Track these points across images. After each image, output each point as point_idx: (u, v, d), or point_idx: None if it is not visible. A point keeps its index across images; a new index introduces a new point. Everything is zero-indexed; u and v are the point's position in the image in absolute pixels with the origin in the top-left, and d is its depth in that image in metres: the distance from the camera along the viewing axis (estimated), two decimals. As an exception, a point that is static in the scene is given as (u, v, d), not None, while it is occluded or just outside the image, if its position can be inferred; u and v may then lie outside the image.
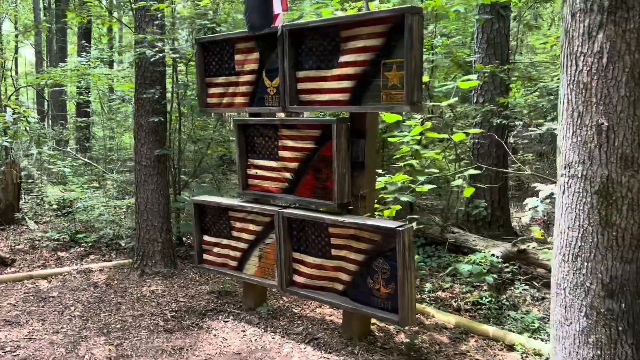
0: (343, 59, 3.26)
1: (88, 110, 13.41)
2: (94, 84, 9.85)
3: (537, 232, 3.98)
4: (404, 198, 3.74)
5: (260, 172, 3.88)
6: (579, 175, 2.19)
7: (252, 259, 4.00)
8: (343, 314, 3.55)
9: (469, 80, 3.84)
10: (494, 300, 4.01)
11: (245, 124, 3.89)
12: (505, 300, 4.05)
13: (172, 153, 5.86)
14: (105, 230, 6.81)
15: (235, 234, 4.11)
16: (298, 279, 3.66)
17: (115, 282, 5.12)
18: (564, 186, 2.28)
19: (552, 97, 5.03)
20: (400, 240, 2.94)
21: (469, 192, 4.25)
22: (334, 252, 3.41)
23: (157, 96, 5.08)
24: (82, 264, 5.79)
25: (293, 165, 3.61)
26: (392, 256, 3.04)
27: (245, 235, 4.01)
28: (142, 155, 5.36)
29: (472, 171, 4.13)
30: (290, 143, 3.60)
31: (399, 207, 3.85)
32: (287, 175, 3.66)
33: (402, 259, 2.96)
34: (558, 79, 5.03)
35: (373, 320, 3.60)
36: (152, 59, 4.72)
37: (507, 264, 4.54)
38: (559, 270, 2.32)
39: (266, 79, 3.77)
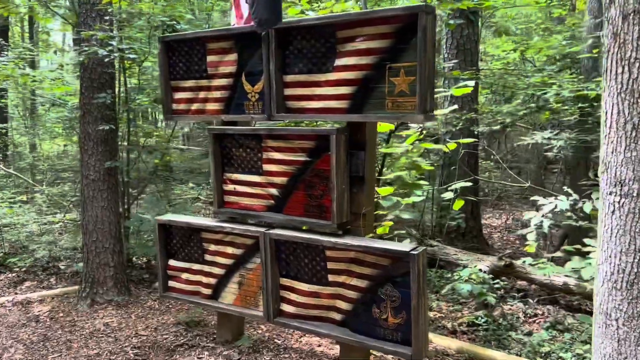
0: (340, 62, 2.98)
1: (5, 114, 12.15)
2: (15, 86, 8.94)
3: (531, 247, 3.87)
4: (405, 215, 3.50)
5: (239, 188, 3.50)
6: (635, 194, 2.02)
7: (230, 286, 3.61)
8: (341, 347, 3.25)
9: (465, 86, 3.67)
10: (490, 320, 3.85)
11: (221, 134, 3.51)
12: (501, 319, 3.91)
13: (122, 165, 5.31)
14: (40, 251, 6.10)
15: (209, 258, 3.70)
16: (287, 308, 3.31)
17: (61, 314, 4.52)
18: (613, 205, 2.10)
19: (533, 105, 5.00)
20: (415, 265, 2.68)
21: (458, 204, 4.09)
22: (331, 277, 3.11)
23: (109, 101, 4.56)
24: (17, 294, 5.11)
25: (280, 180, 3.27)
26: (404, 282, 2.78)
27: (222, 260, 3.62)
28: (89, 168, 4.81)
29: (464, 183, 3.96)
30: (277, 155, 3.26)
31: (391, 223, 3.60)
32: (273, 191, 3.32)
33: (417, 285, 2.71)
34: (535, 86, 5.01)
35: (374, 353, 3.31)
36: (106, 60, 4.21)
37: (495, 279, 4.43)
38: (609, 299, 2.14)
39: (246, 83, 3.41)
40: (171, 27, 4.61)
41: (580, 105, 4.58)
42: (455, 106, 4.16)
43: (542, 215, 3.39)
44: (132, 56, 4.41)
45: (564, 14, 7.98)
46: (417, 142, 3.73)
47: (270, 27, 3.01)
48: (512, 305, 4.21)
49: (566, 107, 4.63)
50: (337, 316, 3.12)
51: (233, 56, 3.46)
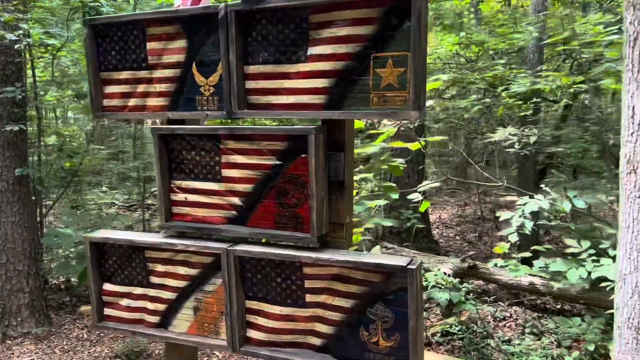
0: (314, 50, 2.63)
1: None
2: None
3: (501, 248, 3.77)
4: (387, 223, 3.22)
5: (192, 198, 3.05)
6: (673, 197, 1.86)
7: (183, 313, 3.15)
8: (320, 375, 2.90)
9: (437, 80, 3.47)
10: (463, 327, 3.70)
11: (169, 135, 3.03)
12: (474, 325, 3.77)
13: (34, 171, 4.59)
14: None
15: (155, 280, 3.21)
16: (256, 335, 2.92)
17: (-36, 357, 3.78)
18: (646, 210, 1.94)
19: (488, 100, 4.96)
20: (414, 281, 2.41)
21: (425, 206, 3.90)
22: (309, 298, 2.76)
23: (19, 96, 3.86)
24: None
25: (244, 187, 2.87)
26: (397, 300, 2.50)
27: (172, 282, 3.14)
28: (-5, 177, 4.07)
29: (434, 184, 3.77)
30: (240, 159, 2.85)
31: (361, 229, 3.32)
32: (235, 200, 2.90)
33: (415, 303, 2.43)
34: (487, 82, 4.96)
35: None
36: (16, 46, 3.53)
37: (461, 282, 4.31)
38: None
39: (198, 74, 2.96)
40: (94, 10, 4.00)
41: (534, 100, 4.58)
42: (432, 101, 3.97)
43: (522, 216, 3.29)
44: (50, 42, 3.75)
45: (497, 8, 8.16)
46: (382, 142, 3.48)
47: (258, 5, 2.59)
48: (480, 309, 4.10)
49: (520, 102, 4.61)
50: (317, 341, 2.78)
51: (181, 43, 2.99)
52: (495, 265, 4.31)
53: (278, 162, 2.75)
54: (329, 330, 2.74)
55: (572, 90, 5.59)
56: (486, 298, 4.31)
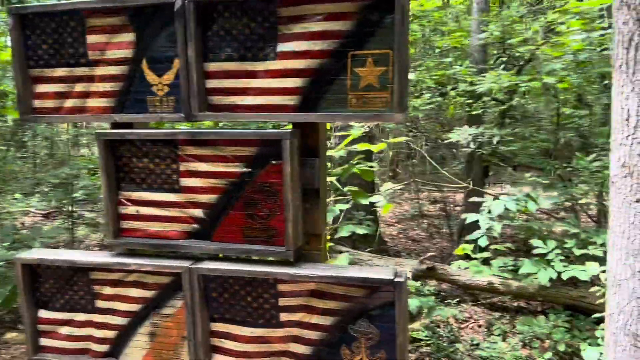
0: (285, 47, 2.43)
1: None
2: None
3: (464, 249, 3.75)
4: (361, 230, 3.07)
5: (145, 211, 2.75)
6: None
7: (137, 339, 2.84)
8: (297, 399, 2.71)
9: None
10: (430, 332, 3.65)
11: (117, 140, 2.71)
12: (440, 330, 3.73)
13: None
14: None
15: (102, 305, 2.87)
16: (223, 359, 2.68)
17: None
18: (645, 214, 1.92)
19: (439, 99, 4.96)
20: (401, 295, 2.28)
21: (387, 208, 3.81)
22: (284, 317, 2.56)
23: None
24: None
25: (207, 198, 2.61)
26: (383, 316, 2.37)
27: (123, 306, 2.82)
28: None
29: (395, 185, 3.69)
30: (202, 167, 2.59)
31: (329, 239, 3.16)
32: (197, 213, 2.64)
33: (402, 318, 2.31)
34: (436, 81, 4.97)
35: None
36: None
37: (421, 284, 4.27)
38: (639, 318, 1.96)
39: (149, 72, 2.67)
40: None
41: (485, 99, 4.64)
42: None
43: (490, 218, 3.27)
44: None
45: (431, 6, 8.30)
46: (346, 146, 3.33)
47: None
48: (445, 316, 4.08)
49: (471, 101, 4.65)
50: (293, 363, 2.59)
51: (128, 36, 2.68)
52: (459, 267, 4.33)
53: (246, 170, 2.53)
54: (306, 351, 2.55)
55: (512, 88, 5.75)
56: (450, 300, 4.31)
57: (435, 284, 4.80)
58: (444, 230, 8.12)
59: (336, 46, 2.36)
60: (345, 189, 3.22)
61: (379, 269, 2.43)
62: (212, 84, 2.57)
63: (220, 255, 2.68)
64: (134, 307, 2.81)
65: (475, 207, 6.42)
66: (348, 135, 3.37)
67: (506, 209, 3.45)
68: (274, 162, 2.47)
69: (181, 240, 2.70)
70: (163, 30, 2.60)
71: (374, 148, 3.62)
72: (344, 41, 2.35)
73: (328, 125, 3.48)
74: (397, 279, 2.29)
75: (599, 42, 4.82)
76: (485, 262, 4.40)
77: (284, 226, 2.47)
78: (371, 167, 3.20)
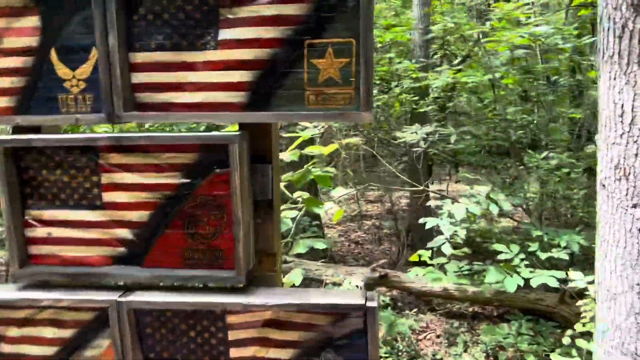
0: (228, 34, 2.09)
1: None
2: None
3: (421, 255, 3.56)
4: (320, 245, 2.75)
5: (59, 233, 2.30)
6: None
7: (53, 389, 2.36)
8: None
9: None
10: (389, 349, 3.42)
11: (21, 148, 2.24)
12: (399, 344, 3.51)
13: None
14: None
15: (7, 349, 2.39)
16: (162, 407, 2.28)
17: None
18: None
19: (385, 96, 4.75)
20: (373, 322, 2.00)
21: (339, 215, 3.54)
22: (234, 353, 2.21)
23: None
24: None
25: (138, 215, 2.21)
26: (352, 345, 2.09)
27: (34, 350, 2.36)
28: None
29: (349, 190, 3.41)
30: (130, 178, 2.18)
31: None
32: (125, 233, 2.23)
33: (374, 347, 2.03)
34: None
35: None
36: None
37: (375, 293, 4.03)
38: (638, 336, 1.79)
39: (60, 64, 2.23)
40: None
41: (433, 96, 4.49)
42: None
43: (451, 223, 3.08)
44: None
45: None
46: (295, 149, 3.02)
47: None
48: (401, 327, 3.86)
49: (417, 98, 4.49)
50: (247, 405, 2.24)
51: (32, 21, 2.21)
52: (417, 275, 4.14)
53: (185, 181, 2.15)
54: (262, 390, 2.21)
55: (453, 86, 5.69)
56: (406, 310, 4.12)
57: (385, 290, 4.61)
58: (386, 231, 8.00)
59: (290, 33, 2.04)
60: (295, 195, 2.91)
61: (347, 294, 2.13)
62: (139, 78, 2.16)
63: (158, 283, 2.28)
64: (48, 351, 2.34)
65: (426, 210, 6.33)
66: (298, 137, 3.07)
67: (468, 212, 3.31)
68: (218, 170, 2.11)
69: (106, 267, 2.27)
70: (77, 14, 2.16)
71: (325, 150, 3.33)
72: (300, 28, 2.03)
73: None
74: (369, 304, 2.01)
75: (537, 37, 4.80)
76: (441, 267, 4.27)
77: (233, 246, 2.11)
78: (327, 172, 2.92)
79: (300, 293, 2.15)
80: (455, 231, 3.34)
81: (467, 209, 3.36)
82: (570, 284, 3.08)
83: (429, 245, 3.80)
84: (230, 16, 2.08)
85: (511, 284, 3.24)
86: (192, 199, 2.15)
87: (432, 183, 7.50)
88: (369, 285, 4.23)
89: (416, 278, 3.93)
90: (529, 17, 4.89)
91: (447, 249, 3.51)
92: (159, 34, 2.13)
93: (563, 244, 3.56)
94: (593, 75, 4.91)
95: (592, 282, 2.78)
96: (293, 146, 3.12)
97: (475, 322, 4.31)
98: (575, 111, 5.47)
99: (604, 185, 1.97)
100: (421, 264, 6.54)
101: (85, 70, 2.20)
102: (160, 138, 2.12)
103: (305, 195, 2.82)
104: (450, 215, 3.48)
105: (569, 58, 5.07)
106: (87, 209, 2.24)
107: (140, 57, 2.15)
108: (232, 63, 2.09)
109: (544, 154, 4.55)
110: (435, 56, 7.05)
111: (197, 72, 2.13)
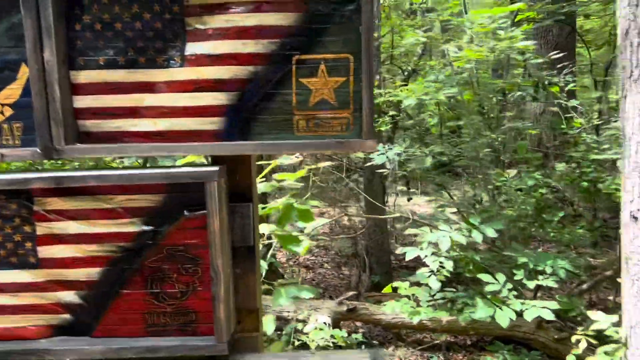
0: (197, 48, 1.76)
1: None
2: None
3: (405, 288, 3.31)
4: (306, 294, 2.40)
5: (-21, 299, 1.82)
6: None
7: None
8: None
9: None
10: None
11: None
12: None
13: None
14: None
15: None
16: None
17: None
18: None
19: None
20: (388, 391, 1.69)
21: (306, 249, 3.22)
22: None
23: None
24: None
25: (85, 274, 1.80)
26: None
27: None
28: None
29: (324, 221, 3.10)
30: (75, 228, 1.77)
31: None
32: (69, 297, 1.81)
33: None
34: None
35: None
36: None
37: (336, 328, 3.73)
38: None
39: (-22, 86, 1.78)
40: None
41: (392, 113, 4.30)
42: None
43: (434, 253, 2.85)
44: None
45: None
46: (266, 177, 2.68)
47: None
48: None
49: (375, 116, 4.28)
50: None
51: (-62, 31, 1.75)
52: (393, 310, 3.86)
53: (147, 229, 1.76)
54: None
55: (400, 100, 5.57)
56: (379, 345, 3.85)
57: (350, 322, 4.33)
58: (337, 253, 7.73)
59: (275, 48, 1.73)
60: (268, 230, 2.56)
61: (353, 355, 1.81)
62: (84, 101, 1.77)
63: (115, 358, 1.85)
64: None
65: (382, 230, 6.11)
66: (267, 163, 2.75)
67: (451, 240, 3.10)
68: (189, 214, 1.74)
69: (45, 340, 1.82)
70: (1, 21, 1.74)
71: (292, 176, 3.01)
72: (286, 41, 1.73)
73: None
74: (382, 369, 1.71)
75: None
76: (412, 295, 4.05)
77: (211, 307, 1.74)
78: (304, 204, 2.59)
79: (296, 357, 1.82)
80: (441, 262, 3.14)
81: (450, 237, 3.16)
82: (593, 326, 2.94)
83: (411, 278, 3.56)
84: (199, 26, 1.74)
85: (503, 319, 3.05)
86: (157, 250, 1.76)
87: (387, 201, 7.36)
88: (336, 320, 3.93)
89: (386, 308, 3.70)
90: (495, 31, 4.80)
91: (435, 284, 3.28)
92: (110, 47, 1.74)
93: (548, 270, 3.45)
94: (557, 90, 4.97)
95: (617, 324, 2.68)
96: (263, 174, 2.77)
97: (450, 353, 4.14)
98: (533, 127, 5.54)
99: (635, 218, 1.83)
100: (380, 290, 6.31)
101: (12, 92, 1.77)
102: (114, 177, 1.72)
103: (277, 230, 2.48)
104: (428, 245, 3.29)
105: (528, 73, 5.14)
106: (19, 268, 1.79)
107: (85, 76, 1.75)
108: (204, 83, 1.74)
109: (513, 172, 4.51)
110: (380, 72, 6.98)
111: (158, 95, 1.76)
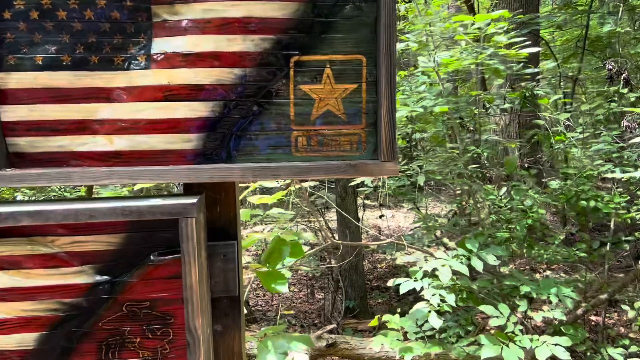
0: (167, 45, 1.41)
1: None
2: None
3: (396, 323, 2.99)
4: (299, 345, 2.01)
5: None
6: None
7: None
8: None
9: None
10: None
11: None
12: None
13: None
14: None
15: None
16: None
17: None
18: None
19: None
20: None
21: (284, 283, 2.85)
22: None
23: None
24: None
25: (17, 340, 1.40)
26: None
27: None
28: None
29: (312, 249, 2.75)
30: (3, 281, 1.36)
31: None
32: (-7, 370, 1.39)
33: None
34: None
35: None
36: None
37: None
38: None
39: None
40: None
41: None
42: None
43: (431, 285, 2.55)
44: None
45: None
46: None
47: None
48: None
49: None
50: None
51: None
52: (383, 345, 3.52)
53: (101, 279, 1.36)
54: None
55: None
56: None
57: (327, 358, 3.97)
58: (303, 274, 7.32)
59: (268, 46, 1.39)
60: (251, 268, 2.17)
61: None
62: (16, 113, 1.37)
63: None
64: None
65: (357, 252, 5.78)
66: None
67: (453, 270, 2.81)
68: (156, 260, 1.36)
69: None
70: None
71: (270, 199, 2.64)
72: (283, 38, 1.39)
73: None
74: None
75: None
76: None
77: (187, 380, 1.36)
78: (294, 239, 2.23)
79: None
80: (443, 297, 2.84)
81: (450, 266, 2.88)
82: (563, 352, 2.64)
83: (410, 315, 3.22)
84: (170, 17, 1.37)
85: (512, 358, 2.76)
86: (114, 308, 1.37)
87: (363, 217, 7.07)
88: (314, 357, 3.57)
89: (374, 344, 3.37)
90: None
91: (436, 321, 2.96)
92: (51, 43, 1.36)
93: (554, 299, 3.20)
94: (546, 102, 4.81)
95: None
96: (242, 195, 2.38)
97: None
98: (512, 141, 5.39)
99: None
100: (354, 316, 5.97)
101: None
102: (56, 213, 1.32)
103: (259, 267, 2.09)
104: (425, 275, 2.98)
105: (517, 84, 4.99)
106: None
107: (17, 79, 1.36)
108: (176, 90, 1.38)
109: (503, 190, 4.29)
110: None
111: (116, 104, 1.38)
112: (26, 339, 1.37)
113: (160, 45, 1.38)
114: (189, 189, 1.48)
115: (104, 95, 1.38)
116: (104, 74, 1.38)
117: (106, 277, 1.36)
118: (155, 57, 1.38)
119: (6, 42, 1.35)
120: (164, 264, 1.36)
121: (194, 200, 1.30)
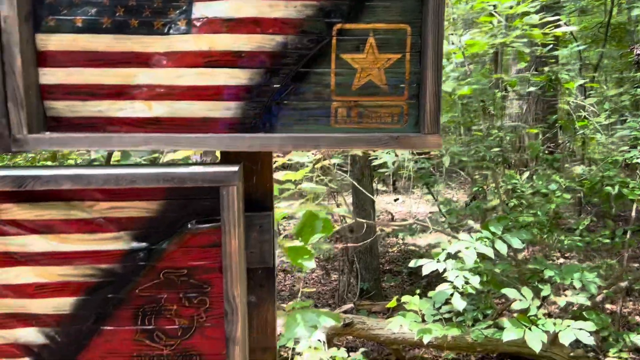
0: (209, 10, 1.39)
1: None
2: None
3: (413, 303, 3.00)
4: (327, 320, 2.02)
5: None
6: None
7: None
8: None
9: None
10: None
11: None
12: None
13: None
14: None
15: None
16: None
17: None
18: None
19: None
20: None
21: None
22: None
23: None
24: None
25: (54, 305, 1.41)
26: None
27: None
28: None
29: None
30: (40, 244, 1.37)
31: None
32: (31, 335, 1.41)
33: None
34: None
35: None
36: None
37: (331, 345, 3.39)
38: None
39: None
40: None
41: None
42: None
43: (457, 268, 2.54)
44: None
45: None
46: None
47: None
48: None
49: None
50: None
51: None
52: (401, 326, 3.52)
53: (139, 246, 1.37)
54: None
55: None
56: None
57: (347, 339, 4.00)
58: (316, 255, 7.36)
59: (311, 13, 1.37)
60: (279, 240, 2.16)
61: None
62: (54, 76, 1.37)
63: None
64: None
65: (371, 229, 5.79)
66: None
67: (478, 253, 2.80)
68: (195, 228, 1.36)
69: (-4, 392, 1.40)
70: None
71: (295, 175, 2.62)
72: (326, 4, 1.36)
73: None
74: None
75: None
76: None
77: (222, 349, 1.37)
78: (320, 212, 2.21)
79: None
80: (466, 278, 2.84)
81: (475, 248, 2.87)
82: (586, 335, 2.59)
83: (433, 296, 3.23)
84: (210, -18, 1.35)
85: (535, 341, 2.75)
86: (151, 275, 1.37)
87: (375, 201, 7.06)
88: (331, 336, 3.60)
89: (392, 325, 3.38)
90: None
91: (459, 302, 2.96)
92: (91, 4, 1.34)
93: (577, 284, 3.19)
94: (572, 87, 4.75)
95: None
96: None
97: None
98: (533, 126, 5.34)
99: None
100: (368, 298, 6.00)
101: (-47, 62, 1.34)
102: (97, 178, 1.31)
103: (289, 243, 2.07)
104: (449, 258, 2.98)
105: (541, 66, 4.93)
106: (-42, 297, 1.37)
107: (56, 41, 1.35)
108: (217, 56, 1.36)
109: (526, 174, 4.26)
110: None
111: (155, 70, 1.37)
112: (62, 304, 1.37)
113: (201, 9, 1.36)
114: (225, 159, 1.47)
115: (143, 60, 1.37)
116: (144, 38, 1.36)
117: (144, 244, 1.36)
118: (195, 22, 1.36)
119: (46, 2, 1.33)
120: (202, 232, 1.35)
121: (235, 168, 1.30)
